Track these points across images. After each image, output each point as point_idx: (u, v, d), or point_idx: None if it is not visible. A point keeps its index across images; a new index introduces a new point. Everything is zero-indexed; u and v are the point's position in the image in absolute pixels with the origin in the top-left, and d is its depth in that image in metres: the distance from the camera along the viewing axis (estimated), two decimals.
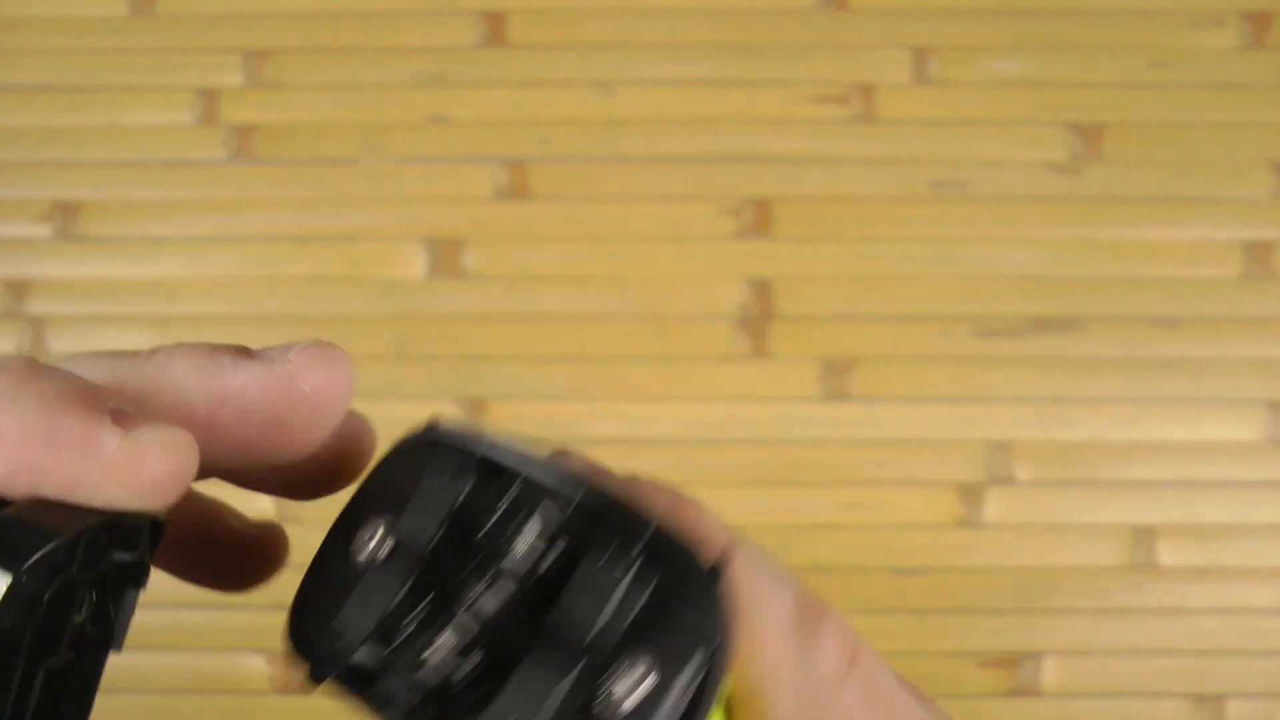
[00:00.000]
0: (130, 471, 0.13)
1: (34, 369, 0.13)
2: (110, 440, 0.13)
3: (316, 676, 0.14)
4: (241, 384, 0.14)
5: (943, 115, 0.67)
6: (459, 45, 0.67)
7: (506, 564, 0.14)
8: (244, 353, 0.15)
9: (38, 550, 0.12)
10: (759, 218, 0.66)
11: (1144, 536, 0.64)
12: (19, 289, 0.66)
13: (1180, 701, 0.63)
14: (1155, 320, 0.65)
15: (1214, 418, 0.65)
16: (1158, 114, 0.67)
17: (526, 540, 0.14)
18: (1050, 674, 0.63)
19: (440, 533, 0.14)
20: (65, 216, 0.66)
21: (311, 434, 0.15)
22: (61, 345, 0.66)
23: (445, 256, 0.66)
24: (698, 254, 0.66)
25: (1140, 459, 0.64)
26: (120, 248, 0.66)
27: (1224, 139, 0.66)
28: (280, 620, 0.15)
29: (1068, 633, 0.64)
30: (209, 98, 0.67)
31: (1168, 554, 0.64)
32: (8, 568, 0.12)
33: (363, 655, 0.14)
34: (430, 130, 0.67)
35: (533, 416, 0.65)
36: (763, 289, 0.66)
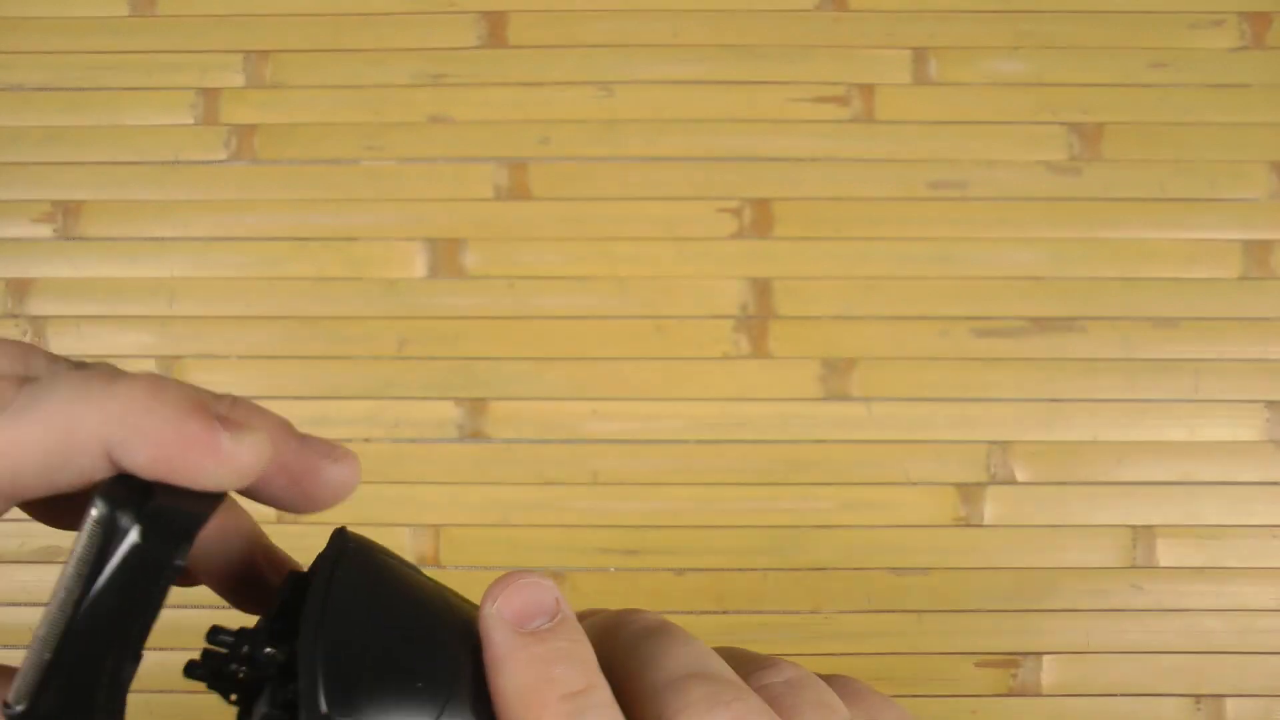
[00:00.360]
0: (235, 464, 0.18)
1: (161, 382, 0.18)
2: (226, 442, 0.18)
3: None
4: (299, 462, 0.20)
5: (943, 115, 0.67)
6: (459, 45, 0.67)
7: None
8: (303, 438, 0.21)
9: (191, 536, 0.18)
10: (759, 218, 0.66)
11: (1143, 536, 0.64)
12: (19, 289, 0.66)
13: (1180, 701, 0.63)
14: (1155, 320, 0.65)
15: (1213, 418, 0.65)
16: (1158, 114, 0.67)
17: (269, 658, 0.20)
18: (1049, 673, 0.63)
19: (275, 611, 0.20)
20: (65, 216, 0.67)
21: (314, 505, 0.21)
22: (62, 345, 0.66)
23: (445, 256, 0.66)
24: (698, 254, 0.66)
25: (1140, 459, 0.64)
26: (120, 248, 0.66)
27: (1224, 139, 0.66)
28: None
29: (1067, 632, 0.64)
30: (209, 98, 0.67)
31: (1167, 554, 0.64)
32: (175, 549, 0.17)
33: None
34: (430, 130, 0.67)
35: (533, 416, 0.65)
36: (763, 289, 0.66)
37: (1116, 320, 0.65)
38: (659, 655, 0.20)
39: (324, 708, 0.17)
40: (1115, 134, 0.66)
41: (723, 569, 0.64)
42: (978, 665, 0.64)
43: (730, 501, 0.64)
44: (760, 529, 0.64)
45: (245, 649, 0.19)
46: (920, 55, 0.67)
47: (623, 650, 0.21)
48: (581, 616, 0.23)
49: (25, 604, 0.64)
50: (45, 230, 0.66)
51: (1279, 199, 0.66)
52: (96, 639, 0.17)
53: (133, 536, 0.17)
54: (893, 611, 0.64)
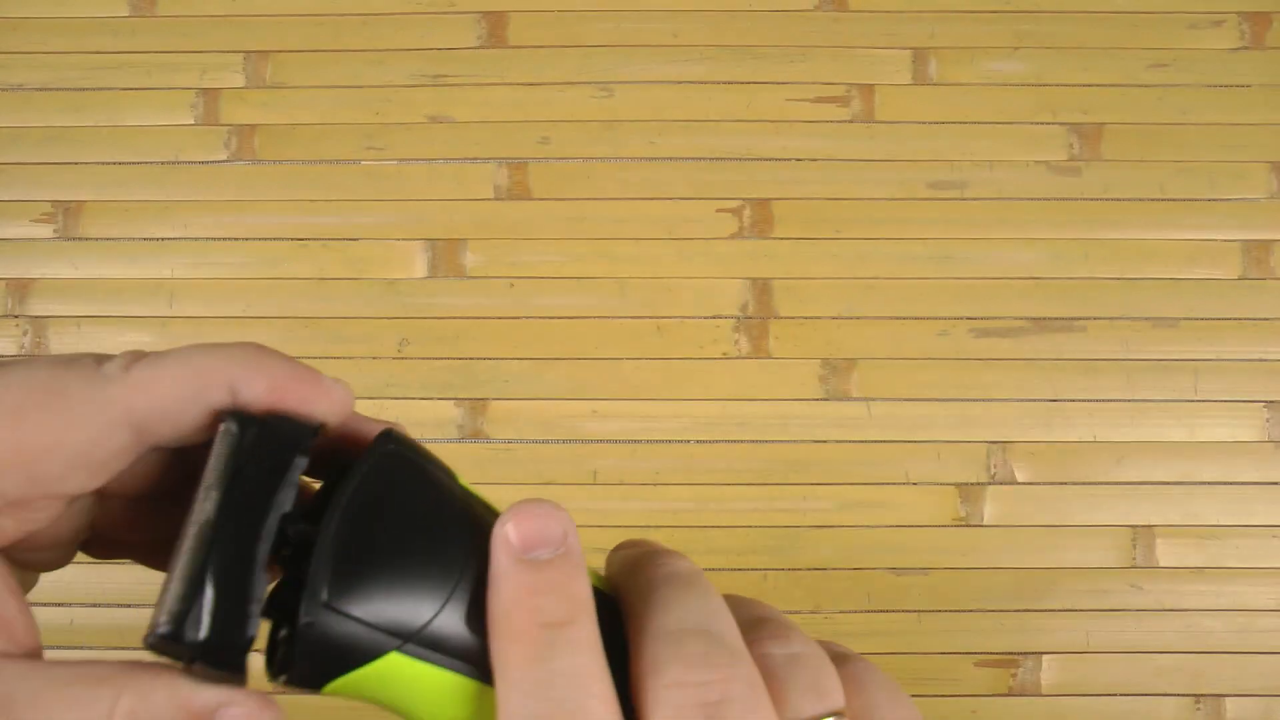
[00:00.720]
0: (334, 397, 0.21)
1: (263, 346, 0.21)
2: (327, 379, 0.21)
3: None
4: (368, 430, 0.23)
5: (943, 115, 0.67)
6: (459, 45, 0.67)
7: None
8: (366, 417, 0.23)
9: (307, 441, 0.20)
10: (759, 218, 0.66)
11: (1143, 536, 0.64)
12: (20, 289, 0.66)
13: (1179, 701, 0.63)
14: (1154, 320, 0.65)
15: (1213, 418, 0.65)
16: (1158, 114, 0.67)
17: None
18: (1049, 673, 0.63)
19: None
20: (66, 217, 0.67)
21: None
22: (63, 345, 0.66)
23: (445, 256, 0.66)
24: (698, 254, 0.66)
25: (1139, 459, 0.65)
26: (120, 248, 0.66)
27: (1223, 139, 0.66)
28: None
29: (1067, 632, 0.64)
30: (209, 98, 0.67)
31: (1166, 554, 0.64)
32: (298, 447, 0.20)
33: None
34: (430, 130, 0.67)
35: (533, 416, 0.65)
36: (763, 289, 0.66)
37: (1116, 320, 0.65)
38: (671, 602, 0.21)
39: (325, 596, 0.19)
40: (1115, 134, 0.66)
41: (723, 569, 0.64)
42: (978, 665, 0.64)
43: (730, 501, 0.64)
44: (760, 529, 0.64)
45: (279, 524, 0.21)
46: (920, 55, 0.67)
47: (642, 588, 0.21)
48: (626, 545, 0.24)
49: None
50: (45, 230, 0.67)
51: (1278, 199, 0.66)
52: (232, 550, 0.19)
53: (259, 437, 0.20)
54: (893, 611, 0.64)
